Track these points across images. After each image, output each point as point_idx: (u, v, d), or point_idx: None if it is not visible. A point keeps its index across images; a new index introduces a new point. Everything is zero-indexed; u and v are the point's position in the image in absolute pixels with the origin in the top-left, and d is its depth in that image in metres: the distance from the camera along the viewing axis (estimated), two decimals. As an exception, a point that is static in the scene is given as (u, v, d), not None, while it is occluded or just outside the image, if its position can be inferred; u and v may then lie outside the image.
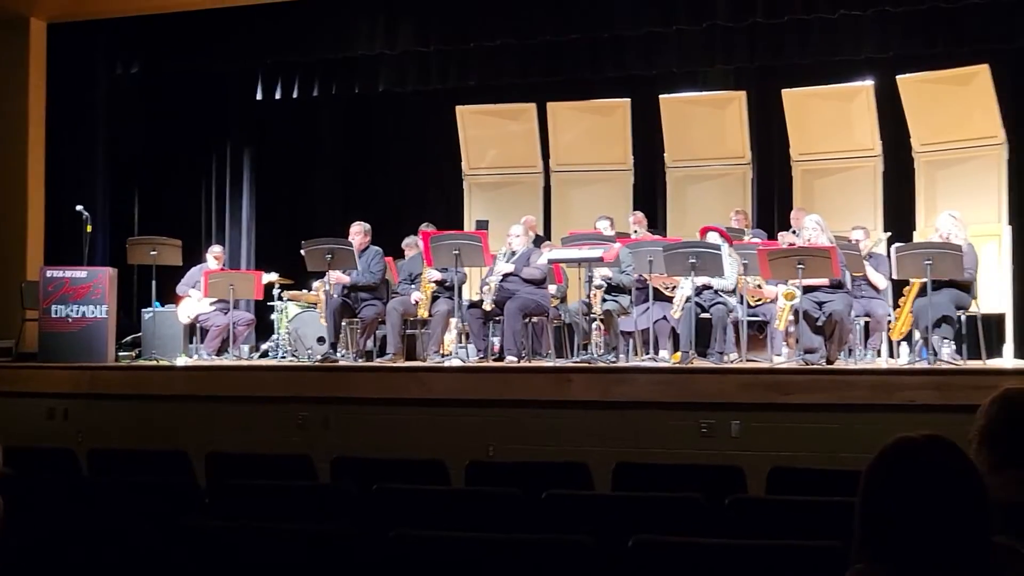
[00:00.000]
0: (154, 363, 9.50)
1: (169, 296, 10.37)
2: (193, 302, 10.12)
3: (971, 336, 8.37)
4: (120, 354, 9.94)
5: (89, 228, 10.19)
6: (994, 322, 9.82)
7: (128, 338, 10.55)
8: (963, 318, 8.21)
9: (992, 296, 9.74)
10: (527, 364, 8.57)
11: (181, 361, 9.59)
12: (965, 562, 1.98)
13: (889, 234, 9.70)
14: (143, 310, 10.36)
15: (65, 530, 3.45)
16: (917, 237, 10.13)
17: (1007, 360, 9.55)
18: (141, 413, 8.43)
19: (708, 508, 3.71)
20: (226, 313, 9.92)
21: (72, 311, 9.31)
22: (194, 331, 10.22)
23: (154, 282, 9.99)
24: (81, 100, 11.66)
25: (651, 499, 3.92)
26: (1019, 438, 3.10)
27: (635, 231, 10.40)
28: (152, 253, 9.96)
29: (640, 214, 10.76)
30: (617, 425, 7.48)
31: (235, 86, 12.70)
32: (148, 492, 4.32)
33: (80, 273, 9.40)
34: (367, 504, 4.02)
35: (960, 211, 8.77)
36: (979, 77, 10.21)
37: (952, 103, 10.39)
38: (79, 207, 10.12)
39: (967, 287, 8.15)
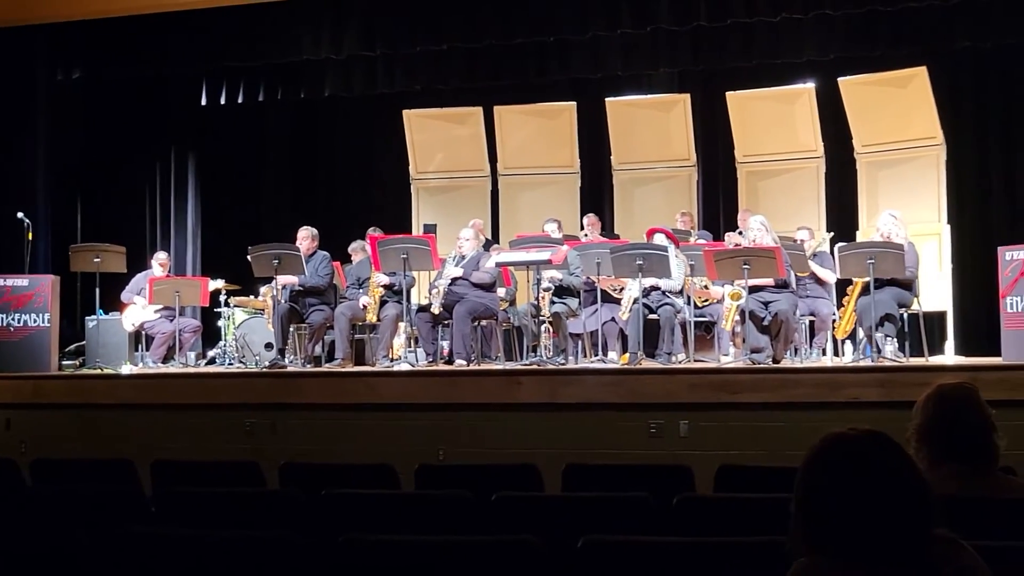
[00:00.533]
0: (98, 372, 9.37)
1: (113, 304, 10.24)
2: (138, 309, 10.00)
3: (913, 334, 8.51)
4: (64, 363, 9.81)
5: (30, 235, 10.05)
6: (935, 320, 10.00)
7: (72, 347, 10.41)
8: (905, 316, 8.35)
9: (933, 294, 9.91)
10: (476, 367, 8.58)
11: (126, 369, 9.47)
12: (905, 554, 2.02)
13: (832, 234, 9.84)
14: (87, 318, 10.23)
15: (8, 541, 3.39)
16: (859, 236, 10.28)
17: (949, 357, 9.74)
18: (86, 422, 8.30)
19: (657, 508, 3.74)
20: (172, 320, 9.82)
21: (14, 320, 9.17)
22: (139, 339, 10.10)
23: (98, 290, 9.84)
24: (21, 106, 11.45)
25: (600, 499, 3.94)
26: (954, 433, 3.16)
27: (585, 235, 10.45)
28: (96, 260, 9.82)
29: (594, 216, 10.81)
30: (566, 427, 7.51)
31: (179, 91, 12.55)
32: (93, 501, 4.26)
33: (22, 281, 9.26)
34: (316, 510, 4.00)
35: (901, 210, 8.93)
36: (917, 79, 10.40)
37: (892, 105, 10.57)
38: (20, 214, 9.97)
39: (909, 286, 8.29)
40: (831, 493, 2.06)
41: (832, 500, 2.05)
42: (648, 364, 8.32)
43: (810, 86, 11.16)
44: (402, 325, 9.14)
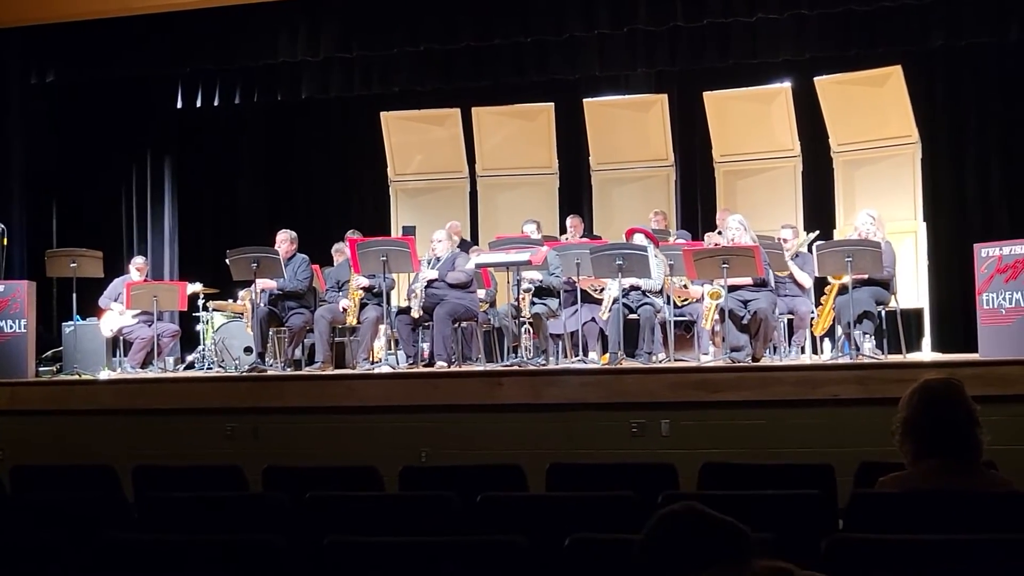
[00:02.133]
0: (76, 378, 9.30)
1: (90, 309, 10.17)
2: (115, 315, 9.93)
3: (891, 331, 8.56)
4: (41, 369, 9.73)
5: (5, 241, 9.97)
6: (912, 317, 10.07)
7: (48, 352, 10.33)
8: (883, 314, 8.40)
9: (910, 292, 9.98)
10: (457, 369, 8.57)
11: (104, 375, 9.41)
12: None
13: (817, 232, 9.88)
14: (64, 324, 10.16)
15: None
16: (837, 235, 10.34)
17: (926, 354, 9.81)
18: (64, 429, 8.24)
19: (641, 505, 3.74)
20: (150, 325, 9.76)
21: (-11, 326, 9.09)
22: (117, 344, 10.03)
23: (75, 295, 9.79)
24: (-6, 109, 11.39)
25: (585, 498, 3.95)
26: (938, 427, 3.19)
27: (567, 237, 10.46)
28: (72, 265, 9.75)
29: (578, 218, 10.80)
30: (549, 427, 7.52)
31: (154, 94, 12.48)
32: (74, 508, 4.23)
33: (-3, 287, 9.18)
34: (300, 513, 3.99)
35: (877, 209, 8.98)
36: (893, 78, 10.47)
37: (868, 104, 10.63)
38: (-6, 219, 9.90)
39: (886, 284, 8.34)
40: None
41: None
42: (629, 364, 8.34)
43: (786, 86, 11.21)
44: (382, 327, 9.12)
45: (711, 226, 10.65)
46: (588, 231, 11.40)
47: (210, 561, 3.27)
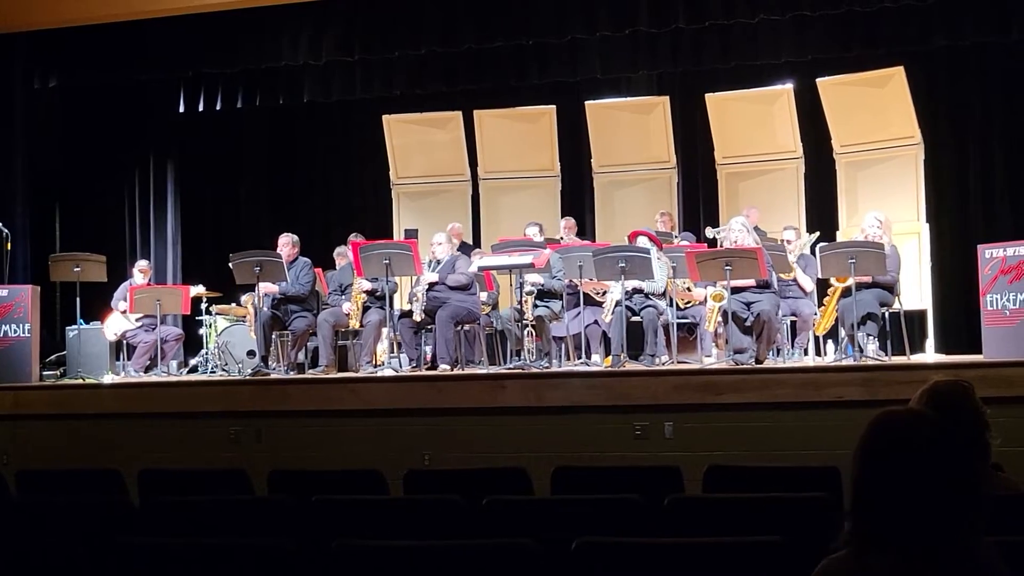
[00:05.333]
0: (80, 381, 9.31)
1: (94, 313, 10.18)
2: (119, 318, 9.94)
3: (895, 332, 8.56)
4: (45, 373, 9.73)
5: (9, 245, 9.97)
6: (916, 318, 10.06)
7: (52, 357, 10.34)
8: (887, 315, 8.40)
9: (913, 293, 9.97)
10: (460, 372, 8.58)
11: (108, 379, 9.41)
12: (959, 549, 1.94)
13: (818, 233, 9.88)
14: (67, 328, 10.16)
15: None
16: (840, 236, 10.33)
17: (929, 355, 9.80)
18: (69, 433, 8.24)
19: (648, 508, 3.75)
20: (153, 329, 9.76)
21: (-7, 331, 9.10)
22: (121, 348, 10.03)
23: (78, 299, 9.79)
24: (-3, 114, 11.40)
25: (592, 501, 3.95)
26: (946, 429, 3.17)
27: (561, 238, 10.46)
28: (76, 270, 9.75)
29: (571, 220, 10.82)
30: (551, 430, 7.51)
31: (156, 98, 12.50)
32: (81, 511, 4.24)
33: (1, 291, 9.18)
34: (306, 516, 3.99)
35: (880, 210, 8.97)
36: (895, 79, 10.47)
37: (870, 105, 10.62)
38: (-2, 224, 9.91)
39: (890, 287, 8.33)
40: (886, 479, 1.98)
41: (889, 487, 1.97)
42: (632, 366, 8.34)
43: (788, 87, 11.21)
44: (385, 331, 9.12)
45: (714, 227, 10.64)
46: (590, 234, 11.41)
47: (218, 565, 3.28)
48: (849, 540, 2.00)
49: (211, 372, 10.00)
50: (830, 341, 9.05)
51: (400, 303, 9.98)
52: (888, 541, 1.94)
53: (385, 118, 12.13)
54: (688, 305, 9.00)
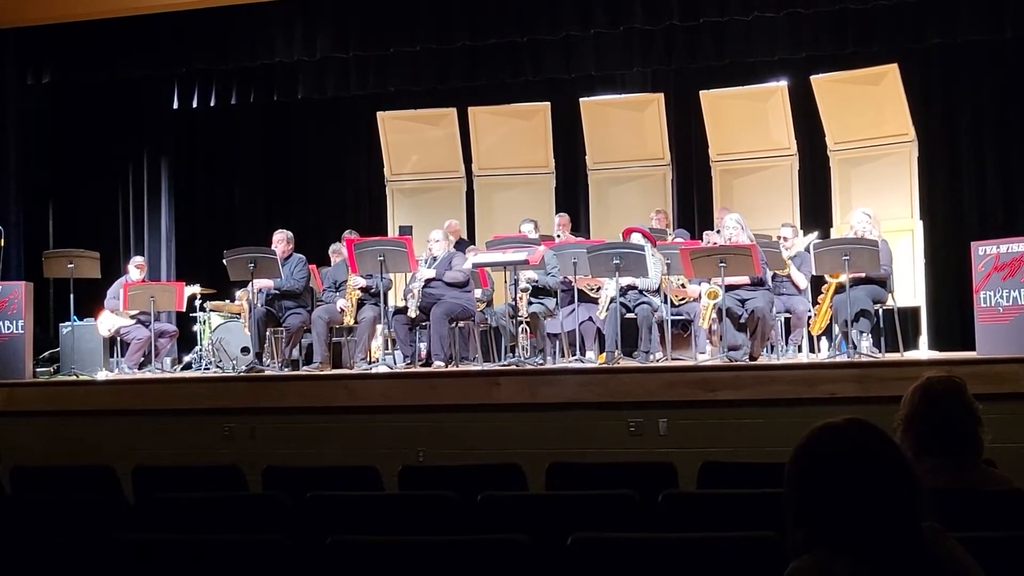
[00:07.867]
0: (74, 378, 9.29)
1: (88, 310, 10.16)
2: (112, 315, 9.92)
3: (888, 329, 8.58)
4: (38, 370, 9.71)
5: (2, 241, 9.94)
6: (909, 315, 10.08)
7: (46, 353, 10.32)
8: (880, 312, 8.42)
9: (907, 290, 9.99)
10: (455, 368, 8.58)
11: (101, 376, 9.40)
12: (901, 544, 2.01)
13: (817, 233, 9.90)
14: (61, 324, 10.14)
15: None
16: (833, 233, 10.36)
17: (923, 352, 9.82)
18: (63, 430, 8.23)
19: (642, 504, 3.76)
20: (147, 326, 9.75)
21: (-13, 327, 9.08)
22: (115, 345, 10.02)
23: (72, 296, 9.76)
24: (-10, 111, 11.36)
25: (586, 497, 3.96)
26: (939, 426, 3.19)
27: (558, 235, 10.46)
28: (69, 266, 9.73)
29: (565, 216, 10.82)
30: (546, 426, 7.52)
31: (150, 95, 12.49)
32: (75, 509, 4.23)
33: (-6, 288, 9.17)
34: (301, 513, 3.99)
35: (874, 207, 9.01)
36: (889, 76, 10.49)
37: (864, 102, 10.65)
38: (-9, 221, 9.89)
39: (883, 283, 8.36)
40: (825, 484, 2.04)
41: (827, 491, 2.04)
42: (626, 363, 8.35)
43: (783, 84, 11.23)
44: (380, 327, 9.12)
45: (708, 225, 10.67)
46: (585, 231, 11.41)
47: (213, 561, 3.28)
48: (801, 546, 2.05)
49: (205, 369, 9.99)
50: (824, 338, 9.07)
51: (395, 299, 9.98)
52: (841, 544, 2.00)
53: (380, 115, 12.13)
54: (682, 302, 9.01)
